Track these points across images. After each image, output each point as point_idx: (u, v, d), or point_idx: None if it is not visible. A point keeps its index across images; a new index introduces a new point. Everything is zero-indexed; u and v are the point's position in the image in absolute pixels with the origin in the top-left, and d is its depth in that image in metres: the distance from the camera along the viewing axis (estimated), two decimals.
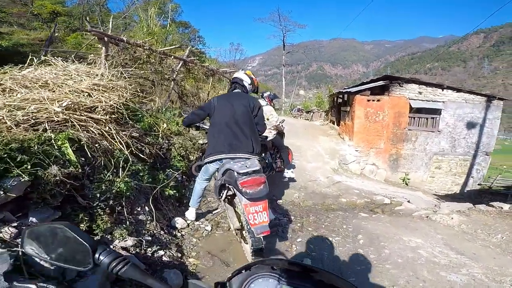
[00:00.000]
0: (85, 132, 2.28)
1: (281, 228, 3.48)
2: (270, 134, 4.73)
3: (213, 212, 3.54)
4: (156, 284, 0.63)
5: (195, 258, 2.59)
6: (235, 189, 2.27)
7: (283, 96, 37.07)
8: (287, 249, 2.98)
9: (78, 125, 2.23)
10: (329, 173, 7.62)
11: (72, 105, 2.36)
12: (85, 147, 2.15)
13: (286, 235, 3.32)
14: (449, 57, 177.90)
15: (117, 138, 2.42)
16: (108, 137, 2.42)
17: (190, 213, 3.16)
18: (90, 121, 2.36)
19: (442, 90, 11.39)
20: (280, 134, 5.20)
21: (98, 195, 2.06)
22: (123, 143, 2.45)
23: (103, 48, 4.31)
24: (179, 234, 2.88)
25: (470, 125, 11.53)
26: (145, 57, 5.33)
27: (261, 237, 2.21)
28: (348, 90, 12.26)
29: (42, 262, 1.34)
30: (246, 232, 2.34)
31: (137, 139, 2.95)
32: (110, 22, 5.32)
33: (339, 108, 14.83)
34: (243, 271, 0.68)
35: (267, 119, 4.63)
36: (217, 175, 2.61)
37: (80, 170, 1.98)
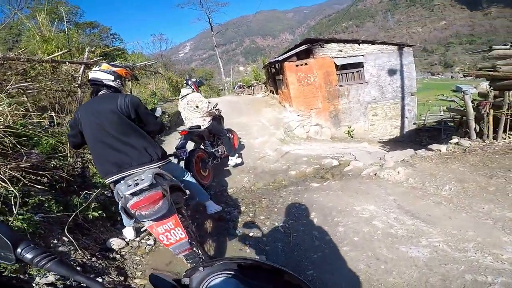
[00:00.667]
0: None
1: (232, 224, 3.27)
2: (204, 122, 4.45)
3: (142, 229, 3.20)
4: (86, 280, 0.63)
5: (142, 278, 2.34)
6: (130, 214, 1.82)
7: (223, 76, 36.58)
8: (240, 248, 2.77)
9: None
10: (277, 145, 7.57)
11: None
12: None
13: (238, 230, 3.12)
14: (359, 14, 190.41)
15: None
16: None
17: (128, 232, 2.75)
18: None
19: (359, 45, 12.16)
20: (218, 119, 4.94)
21: None
22: (6, 179, 2.02)
23: None
24: (118, 256, 2.58)
25: (392, 72, 12.58)
26: (30, 69, 4.55)
27: (193, 250, 1.95)
28: (277, 58, 12.37)
29: None
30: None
31: (35, 167, 2.50)
32: None
33: (274, 77, 15.01)
34: (204, 268, 0.69)
35: (197, 106, 4.38)
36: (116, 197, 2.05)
37: None
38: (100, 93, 2.23)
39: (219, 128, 4.81)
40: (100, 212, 2.79)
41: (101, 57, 8.45)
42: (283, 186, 4.67)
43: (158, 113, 2.51)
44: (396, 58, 12.51)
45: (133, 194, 1.75)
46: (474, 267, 2.10)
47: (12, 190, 2.01)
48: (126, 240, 2.78)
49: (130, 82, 2.46)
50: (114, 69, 2.27)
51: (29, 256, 0.63)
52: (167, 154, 2.41)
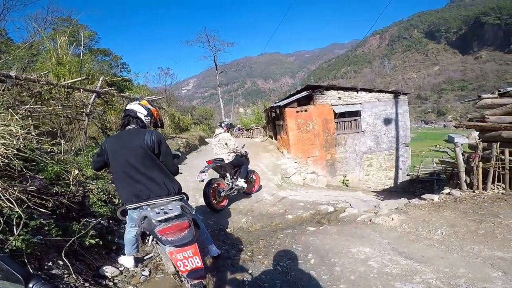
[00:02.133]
0: None
1: (230, 261, 3.29)
2: (229, 157, 5.42)
3: (145, 257, 3.18)
4: None
5: None
6: (155, 238, 2.02)
7: (223, 117, 37.14)
8: (238, 285, 2.77)
9: None
10: (274, 190, 7.69)
11: None
12: None
13: (237, 268, 3.14)
14: (357, 60, 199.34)
15: (3, 195, 2.01)
16: None
17: (127, 261, 2.81)
18: None
19: (357, 92, 12.55)
20: (242, 156, 5.81)
21: None
22: (13, 200, 2.05)
23: None
24: (110, 283, 2.54)
25: (387, 121, 12.92)
26: (45, 92, 4.71)
27: (202, 282, 2.01)
28: (278, 104, 12.75)
29: None
30: (184, 277, 2.11)
31: (38, 191, 2.52)
32: None
33: (274, 122, 15.31)
34: None
35: (226, 144, 5.41)
36: (136, 222, 2.29)
37: None
38: (128, 127, 2.41)
39: (241, 161, 5.70)
40: (97, 240, 2.78)
41: (109, 86, 8.65)
42: (280, 228, 4.75)
43: (177, 156, 2.69)
44: (392, 106, 12.85)
45: (163, 221, 1.94)
46: None
47: (17, 211, 2.03)
48: (120, 268, 2.77)
49: (153, 125, 2.66)
50: (149, 106, 2.55)
51: None
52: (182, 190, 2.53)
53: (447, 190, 5.72)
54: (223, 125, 5.73)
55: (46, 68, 6.81)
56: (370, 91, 12.84)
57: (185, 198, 2.51)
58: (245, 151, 5.96)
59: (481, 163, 5.50)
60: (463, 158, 5.89)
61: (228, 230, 4.59)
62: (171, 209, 2.03)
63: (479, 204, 4.67)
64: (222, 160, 5.36)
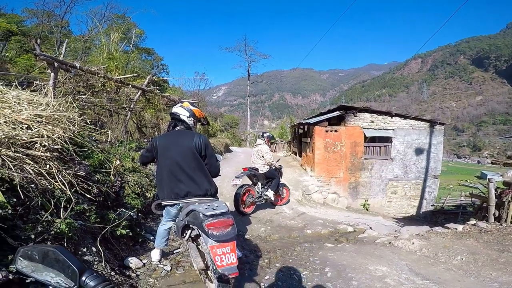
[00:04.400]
0: (19, 171, 2.01)
1: (248, 265, 3.36)
2: (264, 168, 5.75)
3: (174, 251, 3.31)
4: None
5: None
6: (200, 231, 2.18)
7: (248, 127, 37.46)
8: None
9: (11, 163, 1.96)
10: (294, 205, 7.67)
11: (6, 140, 2.08)
12: (18, 188, 1.92)
13: (254, 272, 3.21)
14: (394, 83, 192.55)
15: (58, 178, 2.16)
16: (48, 176, 2.15)
17: (155, 254, 2.96)
18: (27, 159, 2.09)
19: (391, 118, 12.25)
20: (276, 169, 6.06)
21: (33, 236, 1.87)
22: (66, 183, 2.19)
23: (52, 74, 4.01)
24: (133, 275, 2.65)
25: (418, 151, 12.47)
26: (100, 85, 5.05)
27: (229, 278, 2.09)
28: (308, 121, 12.69)
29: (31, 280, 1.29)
30: (211, 273, 2.22)
31: (84, 177, 2.68)
32: (64, 46, 5.05)
33: (300, 138, 15.20)
34: None
35: (262, 156, 5.73)
36: (180, 216, 2.48)
37: (10, 211, 1.79)
38: (177, 128, 2.63)
39: (275, 173, 5.97)
40: (127, 231, 2.90)
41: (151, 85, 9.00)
42: (297, 242, 4.80)
43: (219, 158, 2.85)
44: (426, 136, 12.42)
45: (211, 216, 2.10)
46: None
47: (68, 194, 2.16)
48: (143, 261, 2.88)
49: (197, 124, 2.86)
50: (191, 107, 2.70)
51: (92, 284, 0.71)
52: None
53: (472, 221, 5.60)
54: (264, 135, 6.05)
55: (97, 62, 7.15)
56: (405, 117, 12.53)
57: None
58: (280, 165, 6.26)
59: None
60: (495, 193, 5.85)
61: (247, 236, 4.67)
62: (218, 206, 2.20)
63: (504, 235, 4.64)
64: (257, 169, 5.72)
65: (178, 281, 2.73)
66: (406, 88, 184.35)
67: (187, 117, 2.63)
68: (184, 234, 2.46)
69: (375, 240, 4.91)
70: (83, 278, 0.71)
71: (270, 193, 5.86)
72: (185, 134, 2.53)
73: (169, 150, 2.44)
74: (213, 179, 2.61)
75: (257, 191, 5.80)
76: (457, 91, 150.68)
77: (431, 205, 13.16)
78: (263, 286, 2.90)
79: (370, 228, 6.28)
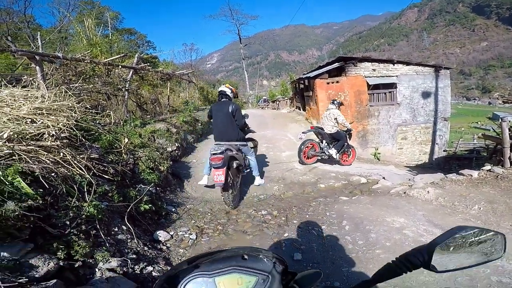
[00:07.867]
0: (36, 162, 2.06)
1: (266, 224, 3.45)
2: (332, 129, 6.62)
3: (196, 219, 3.44)
4: None
5: None
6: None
7: (248, 89, 36.89)
8: (276, 246, 2.92)
9: (26, 157, 2.00)
10: None
11: (15, 136, 2.10)
12: (41, 178, 1.98)
13: (273, 231, 3.28)
14: (392, 32, 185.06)
15: (74, 163, 2.20)
16: (64, 163, 2.20)
17: (204, 179, 4.52)
18: (40, 150, 2.12)
19: (394, 65, 11.80)
20: (343, 131, 6.87)
21: (68, 222, 1.96)
22: (82, 167, 2.24)
23: (37, 67, 3.95)
24: (164, 247, 2.80)
25: (425, 95, 12.10)
26: (89, 70, 4.95)
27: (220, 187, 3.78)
28: (308, 75, 12.32)
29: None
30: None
31: (98, 159, 2.74)
32: (39, 39, 4.86)
33: (302, 93, 14.95)
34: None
35: (335, 119, 6.58)
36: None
37: (40, 202, 1.86)
38: (223, 100, 4.36)
39: (341, 135, 6.76)
40: (150, 205, 3.00)
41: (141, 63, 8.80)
42: (312, 197, 4.78)
43: (246, 117, 4.50)
44: (432, 80, 12.03)
45: (213, 154, 3.74)
46: (499, 271, 2.31)
47: (87, 177, 2.22)
48: (170, 233, 3.04)
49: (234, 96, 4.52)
50: (231, 87, 4.51)
51: None
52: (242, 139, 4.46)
53: (488, 167, 5.30)
54: (335, 102, 6.88)
55: (79, 50, 7.05)
56: (408, 64, 11.99)
57: (247, 144, 4.53)
58: (351, 127, 7.19)
59: None
60: (509, 134, 5.43)
61: (261, 197, 4.70)
62: (217, 149, 3.81)
63: None
64: (322, 129, 6.71)
65: (204, 248, 2.88)
66: (405, 37, 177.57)
67: (230, 93, 4.36)
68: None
69: (390, 190, 4.85)
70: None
71: (332, 151, 6.60)
72: (226, 103, 4.23)
73: (217, 112, 4.23)
74: (247, 134, 4.69)
75: (320, 147, 6.70)
76: (460, 38, 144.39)
77: (444, 151, 12.92)
78: (284, 243, 2.96)
79: (383, 178, 6.17)
